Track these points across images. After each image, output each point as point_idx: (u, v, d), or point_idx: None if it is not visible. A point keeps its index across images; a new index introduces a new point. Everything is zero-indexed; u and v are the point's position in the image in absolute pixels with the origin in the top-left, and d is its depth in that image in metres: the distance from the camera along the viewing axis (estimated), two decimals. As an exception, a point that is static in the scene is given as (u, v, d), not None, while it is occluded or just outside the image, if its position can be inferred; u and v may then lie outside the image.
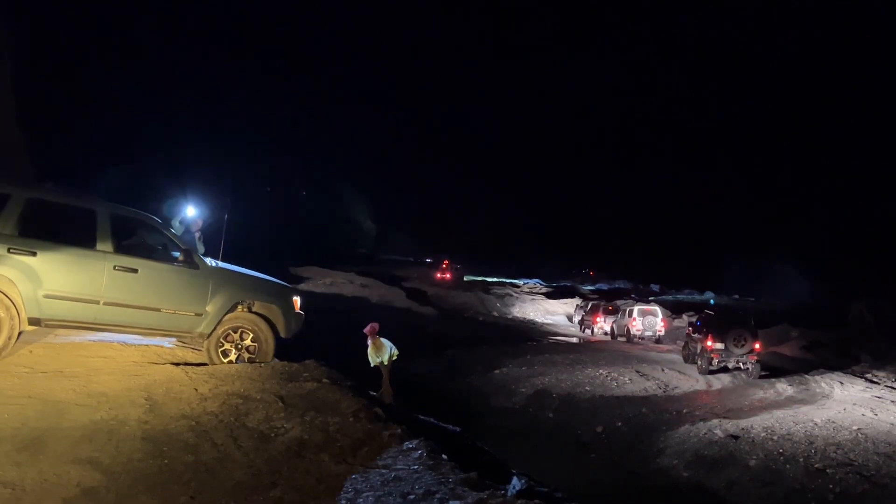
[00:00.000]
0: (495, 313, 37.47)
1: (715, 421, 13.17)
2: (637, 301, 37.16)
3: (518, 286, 51.18)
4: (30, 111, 21.50)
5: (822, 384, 17.62)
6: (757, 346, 18.16)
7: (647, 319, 28.81)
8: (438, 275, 48.18)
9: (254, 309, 8.00)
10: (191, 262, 7.63)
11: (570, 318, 38.46)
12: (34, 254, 6.58)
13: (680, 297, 52.52)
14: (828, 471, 10.43)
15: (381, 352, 8.70)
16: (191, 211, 10.57)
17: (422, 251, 75.15)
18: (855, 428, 12.62)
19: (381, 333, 9.00)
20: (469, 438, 8.34)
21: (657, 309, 30.54)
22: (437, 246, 72.72)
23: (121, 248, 7.16)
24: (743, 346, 17.88)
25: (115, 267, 7.00)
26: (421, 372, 17.29)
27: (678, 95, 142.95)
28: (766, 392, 16.38)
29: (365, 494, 4.27)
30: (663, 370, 18.47)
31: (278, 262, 30.56)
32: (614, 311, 31.66)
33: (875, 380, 19.31)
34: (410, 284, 42.84)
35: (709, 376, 18.09)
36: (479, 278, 56.16)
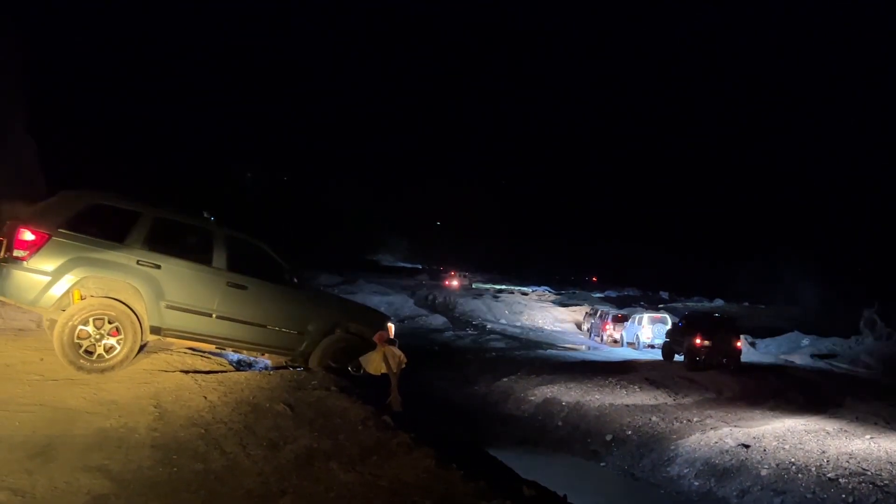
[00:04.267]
0: (503, 321, 37.37)
1: (726, 429, 13.07)
2: (646, 308, 37.01)
3: (527, 293, 51.08)
4: (40, 118, 21.72)
5: (834, 392, 17.48)
6: (738, 343, 20.54)
7: (656, 327, 28.67)
8: (446, 282, 49.22)
9: (351, 331, 8.38)
10: (294, 282, 8.14)
11: (579, 326, 38.29)
12: (158, 267, 7.04)
13: (690, 304, 52.20)
14: (840, 480, 10.33)
15: (390, 359, 8.69)
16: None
17: (430, 259, 75.14)
18: (868, 437, 12.51)
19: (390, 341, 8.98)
20: (478, 447, 8.32)
21: (667, 316, 30.37)
22: (447, 254, 72.69)
23: (232, 266, 7.59)
24: (727, 343, 20.03)
25: (227, 283, 7.47)
26: (430, 380, 17.27)
27: (683, 99, 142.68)
28: (778, 400, 16.25)
29: (375, 503, 4.26)
30: (673, 378, 18.36)
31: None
32: (623, 319, 31.51)
33: (888, 387, 19.14)
34: (420, 292, 42.87)
35: (719, 384, 17.98)
36: (488, 286, 56.11)
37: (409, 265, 74.38)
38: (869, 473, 10.56)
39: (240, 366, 8.80)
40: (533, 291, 54.06)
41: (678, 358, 21.77)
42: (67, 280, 6.60)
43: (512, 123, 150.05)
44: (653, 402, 15.90)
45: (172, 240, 7.36)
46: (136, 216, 7.13)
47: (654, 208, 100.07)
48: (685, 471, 11.93)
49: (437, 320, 33.87)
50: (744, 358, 25.81)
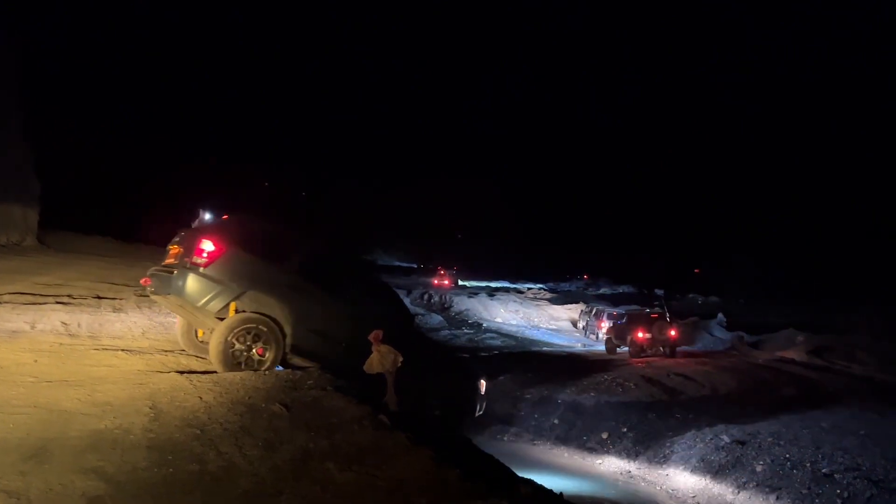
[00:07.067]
0: (499, 319, 37.38)
1: (721, 426, 13.12)
2: (641, 306, 37.05)
3: (522, 292, 51.06)
4: (36, 121, 21.66)
5: (829, 389, 17.54)
6: (673, 332, 23.23)
7: (652, 324, 28.78)
8: (436, 281, 49.02)
9: None
10: (408, 318, 8.94)
11: (574, 324, 38.31)
12: (306, 292, 7.63)
13: (685, 301, 52.23)
14: (835, 476, 10.38)
15: (386, 359, 8.69)
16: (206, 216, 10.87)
17: (425, 257, 75.13)
18: (862, 432, 12.56)
19: (386, 340, 8.99)
20: (474, 445, 8.33)
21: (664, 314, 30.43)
22: (440, 252, 72.70)
23: (361, 300, 8.18)
24: (664, 334, 22.90)
25: (354, 313, 7.97)
26: (426, 378, 17.26)
27: (679, 97, 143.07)
28: (773, 397, 16.32)
29: (372, 503, 4.26)
30: (669, 375, 18.41)
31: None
32: (619, 317, 31.54)
33: (882, 384, 19.22)
34: (416, 291, 42.84)
35: (715, 381, 18.05)
36: (484, 284, 56.07)
37: (406, 264, 74.31)
38: (863, 469, 10.61)
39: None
40: (528, 290, 54.03)
41: (621, 350, 24.42)
42: (231, 291, 7.20)
43: (507, 120, 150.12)
44: (648, 399, 15.94)
45: (319, 270, 7.93)
46: (294, 245, 7.97)
47: (651, 206, 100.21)
48: (681, 467, 11.97)
49: (434, 319, 33.85)
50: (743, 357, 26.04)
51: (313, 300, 7.68)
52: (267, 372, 7.27)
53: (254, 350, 7.27)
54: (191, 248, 7.30)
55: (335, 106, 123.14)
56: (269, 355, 7.32)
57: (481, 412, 9.51)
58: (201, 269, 7.14)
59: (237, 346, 7.18)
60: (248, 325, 7.21)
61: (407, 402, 8.15)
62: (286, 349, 7.47)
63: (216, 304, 7.17)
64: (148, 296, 8.47)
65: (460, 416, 9.19)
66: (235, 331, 7.14)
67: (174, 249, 7.73)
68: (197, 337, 8.26)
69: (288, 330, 7.43)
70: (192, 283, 7.12)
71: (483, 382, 9.46)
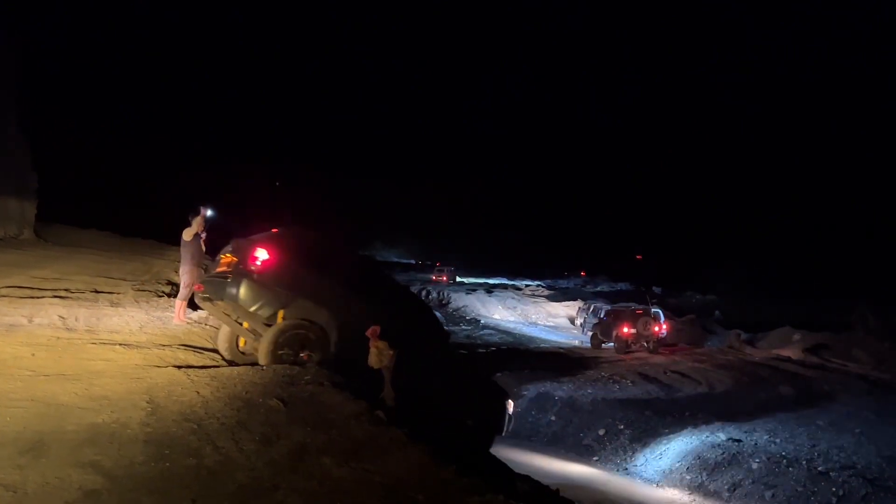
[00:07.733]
0: (497, 316, 37.40)
1: (718, 424, 13.16)
2: (639, 303, 37.09)
3: (520, 289, 51.06)
4: (32, 119, 21.61)
5: (825, 387, 17.59)
6: (656, 329, 23.79)
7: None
8: (434, 277, 49.33)
9: None
10: (442, 333, 9.45)
11: (572, 321, 38.34)
12: (347, 301, 7.97)
13: (682, 298, 52.28)
14: (831, 474, 10.41)
15: (384, 355, 8.70)
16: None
17: (424, 254, 75.16)
18: (857, 430, 12.61)
19: (384, 336, 8.99)
20: (471, 442, 8.35)
21: (659, 312, 30.48)
22: (439, 249, 72.73)
23: (397, 311, 8.49)
24: (648, 330, 23.45)
25: (391, 322, 8.06)
26: (423, 375, 17.27)
27: (679, 97, 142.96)
28: (769, 395, 16.36)
29: (369, 500, 4.26)
30: (666, 373, 18.45)
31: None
32: (605, 314, 31.59)
33: (878, 382, 19.28)
34: (413, 288, 42.86)
35: (712, 379, 18.09)
36: (482, 280, 56.07)
37: (404, 260, 74.32)
38: (859, 467, 10.66)
39: (232, 361, 8.79)
40: (526, 286, 54.03)
41: (606, 345, 24.63)
42: (282, 298, 7.50)
43: (507, 120, 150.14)
44: (645, 396, 15.97)
45: (358, 279, 8.33)
46: (336, 255, 8.37)
47: (650, 205, 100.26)
48: (677, 465, 12.00)
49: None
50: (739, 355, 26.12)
51: (355, 308, 7.96)
52: (265, 367, 7.28)
53: (301, 355, 7.51)
54: (245, 256, 7.63)
55: (335, 106, 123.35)
56: (316, 355, 7.55)
57: (508, 432, 9.64)
58: (255, 276, 7.46)
59: (285, 350, 7.41)
60: (298, 331, 7.52)
61: (437, 412, 8.27)
62: (331, 356, 7.71)
63: (267, 310, 7.45)
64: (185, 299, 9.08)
65: (488, 432, 9.30)
66: (286, 335, 7.42)
67: (226, 258, 8.00)
68: (238, 347, 8.42)
69: (333, 337, 7.74)
70: (245, 288, 7.42)
71: (511, 402, 9.68)
